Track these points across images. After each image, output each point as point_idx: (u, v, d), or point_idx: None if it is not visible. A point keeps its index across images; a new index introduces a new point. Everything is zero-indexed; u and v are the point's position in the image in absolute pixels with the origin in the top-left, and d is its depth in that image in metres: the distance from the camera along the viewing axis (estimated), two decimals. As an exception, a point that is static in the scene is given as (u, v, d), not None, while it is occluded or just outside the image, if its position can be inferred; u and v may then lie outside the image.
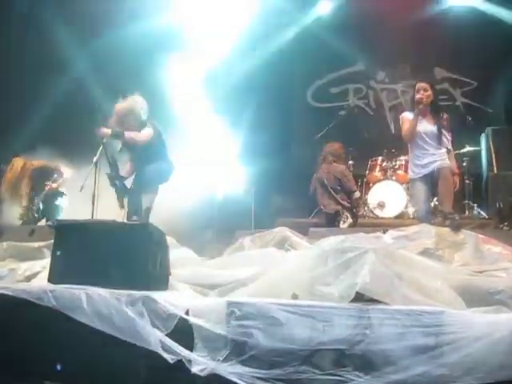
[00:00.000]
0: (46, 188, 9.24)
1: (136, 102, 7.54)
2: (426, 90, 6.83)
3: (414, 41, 11.39)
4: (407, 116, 6.92)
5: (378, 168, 10.59)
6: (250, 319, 4.00)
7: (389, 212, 9.83)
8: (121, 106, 7.56)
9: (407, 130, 6.85)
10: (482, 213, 9.63)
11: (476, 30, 10.93)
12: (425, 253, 5.39)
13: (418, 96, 6.81)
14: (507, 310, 4.13)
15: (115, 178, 7.44)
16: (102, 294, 4.37)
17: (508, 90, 10.65)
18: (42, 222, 8.79)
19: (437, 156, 6.76)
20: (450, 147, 6.93)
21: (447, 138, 6.90)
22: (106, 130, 7.31)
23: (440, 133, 6.79)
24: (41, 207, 9.03)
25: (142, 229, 4.77)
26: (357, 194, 8.82)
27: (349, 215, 8.58)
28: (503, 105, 10.85)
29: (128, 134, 7.32)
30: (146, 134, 7.40)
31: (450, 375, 3.54)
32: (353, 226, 8.36)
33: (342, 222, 8.43)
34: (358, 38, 11.63)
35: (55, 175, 9.35)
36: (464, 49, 11.08)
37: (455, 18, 11.36)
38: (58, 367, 4.42)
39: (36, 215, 9.05)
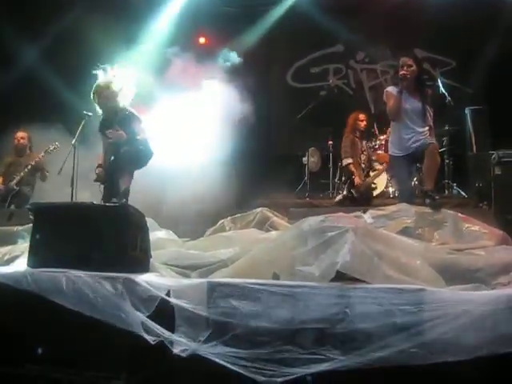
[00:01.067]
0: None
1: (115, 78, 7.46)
2: (410, 66, 6.69)
3: (395, 21, 11.36)
4: (392, 91, 6.79)
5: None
6: (231, 300, 4.00)
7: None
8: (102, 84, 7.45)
9: (392, 106, 6.72)
10: (462, 192, 9.69)
11: (455, 9, 10.89)
12: (404, 232, 5.42)
13: (402, 72, 6.68)
14: (486, 288, 4.19)
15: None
16: (81, 276, 4.34)
17: (487, 70, 10.65)
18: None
19: (422, 134, 6.66)
20: (431, 124, 6.84)
21: (430, 114, 6.82)
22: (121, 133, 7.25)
23: (425, 110, 6.69)
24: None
25: (122, 210, 4.74)
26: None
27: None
28: (482, 85, 10.87)
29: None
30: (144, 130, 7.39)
31: (429, 352, 3.57)
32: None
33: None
34: (337, 18, 11.59)
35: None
36: (443, 29, 11.05)
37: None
38: (39, 351, 4.40)
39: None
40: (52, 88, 10.22)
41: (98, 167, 7.41)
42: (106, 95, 7.29)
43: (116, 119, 7.27)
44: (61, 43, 10.46)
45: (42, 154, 8.97)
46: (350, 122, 9.83)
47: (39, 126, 9.63)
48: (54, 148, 8.90)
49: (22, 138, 9.37)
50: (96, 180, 7.40)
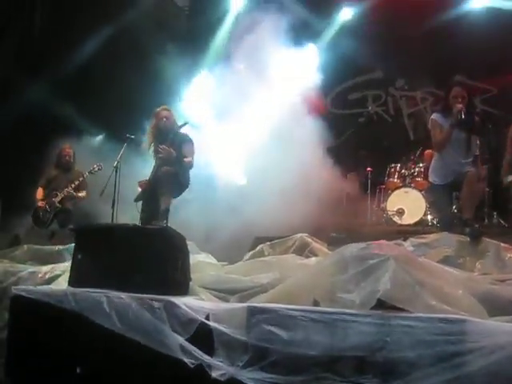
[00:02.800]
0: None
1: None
2: (463, 98, 6.64)
3: (433, 47, 11.33)
4: (437, 120, 6.73)
5: (396, 175, 10.55)
6: (270, 325, 3.99)
7: (407, 219, 9.78)
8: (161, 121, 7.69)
9: (442, 139, 6.63)
10: (502, 221, 9.56)
11: (495, 34, 10.83)
12: (445, 261, 5.37)
13: (458, 105, 6.59)
14: (530, 319, 4.10)
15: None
16: (122, 297, 4.39)
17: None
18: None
19: (464, 164, 6.61)
20: (477, 153, 6.77)
21: (476, 143, 6.75)
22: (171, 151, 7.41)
23: (470, 141, 6.62)
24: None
25: (163, 233, 4.78)
26: None
27: None
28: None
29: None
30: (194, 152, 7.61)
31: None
32: None
33: None
34: (377, 44, 11.60)
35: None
36: (483, 55, 10.99)
37: (474, 23, 11.27)
38: (78, 370, 4.43)
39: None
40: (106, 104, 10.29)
41: (140, 185, 7.53)
42: (165, 115, 7.49)
43: (169, 139, 7.40)
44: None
45: (86, 173, 9.03)
46: None
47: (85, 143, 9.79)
48: (99, 169, 8.97)
49: (68, 155, 9.41)
50: (136, 199, 7.50)
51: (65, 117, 10.39)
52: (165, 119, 7.59)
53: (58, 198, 8.96)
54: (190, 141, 7.60)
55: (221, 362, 4.04)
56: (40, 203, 8.96)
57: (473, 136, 6.67)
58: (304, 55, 10.45)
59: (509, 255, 5.53)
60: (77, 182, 9.02)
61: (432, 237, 5.91)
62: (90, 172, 9.02)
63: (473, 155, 6.69)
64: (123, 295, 4.39)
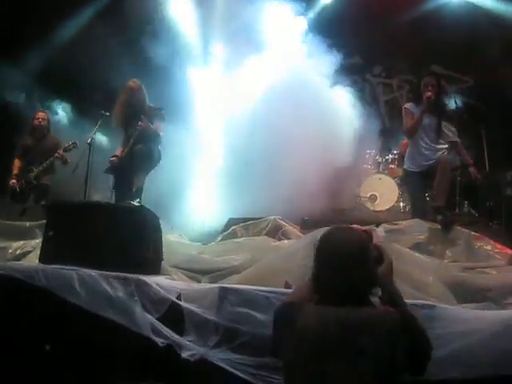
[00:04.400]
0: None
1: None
2: (433, 86, 6.69)
3: (413, 36, 11.33)
4: (410, 108, 6.77)
5: (370, 161, 10.58)
6: (241, 306, 4.00)
7: (380, 205, 9.83)
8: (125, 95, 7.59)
9: (412, 125, 6.67)
10: (472, 210, 9.65)
11: (473, 25, 10.88)
12: (417, 247, 5.42)
13: (428, 93, 6.60)
14: (496, 307, 4.16)
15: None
16: (93, 275, 4.36)
17: (504, 89, 10.61)
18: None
19: (438, 150, 6.66)
20: (457, 139, 6.85)
21: (452, 130, 6.81)
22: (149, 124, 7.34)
23: (440, 127, 6.70)
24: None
25: (137, 211, 4.76)
26: None
27: None
28: (498, 104, 10.83)
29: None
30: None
31: (437, 369, 3.55)
32: None
33: None
34: (357, 30, 11.56)
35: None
36: (460, 45, 11.03)
37: (452, 14, 11.30)
38: (47, 347, 4.41)
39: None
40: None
41: (112, 157, 7.45)
42: (135, 88, 7.40)
43: (140, 114, 7.32)
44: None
45: (61, 151, 8.83)
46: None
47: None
48: (73, 146, 8.78)
49: (42, 118, 9.18)
50: (106, 170, 7.43)
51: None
52: (135, 93, 7.46)
53: (34, 174, 8.79)
54: (162, 116, 7.52)
55: (191, 342, 4.05)
56: (13, 181, 8.81)
57: (443, 122, 6.71)
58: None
59: (479, 244, 5.61)
60: (52, 158, 8.80)
61: (404, 223, 5.95)
62: (64, 150, 8.82)
63: (445, 141, 6.72)
64: (94, 273, 4.37)
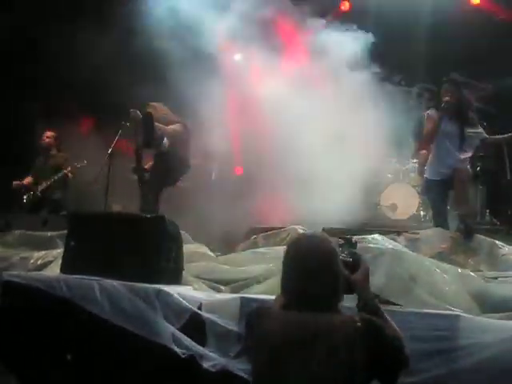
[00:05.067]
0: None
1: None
2: (452, 92, 6.67)
3: (431, 43, 11.30)
4: (432, 115, 6.76)
5: (390, 170, 10.54)
6: (263, 316, 3.99)
7: (401, 214, 9.79)
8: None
9: (429, 130, 6.70)
10: (494, 219, 9.57)
11: (494, 32, 10.83)
12: (438, 257, 5.37)
13: (446, 98, 6.64)
14: (521, 317, 4.11)
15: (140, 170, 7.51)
16: (115, 285, 4.38)
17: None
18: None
19: (460, 159, 6.64)
20: (485, 135, 6.86)
21: (478, 131, 6.80)
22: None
23: (463, 134, 6.67)
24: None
25: (157, 222, 4.76)
26: None
27: None
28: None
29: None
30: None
31: (462, 380, 3.53)
32: None
33: None
34: (375, 38, 11.53)
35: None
36: (481, 52, 10.97)
37: (472, 22, 11.25)
38: (68, 357, 4.42)
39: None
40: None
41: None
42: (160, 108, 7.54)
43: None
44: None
45: (69, 168, 8.99)
46: None
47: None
48: (81, 166, 8.95)
49: (47, 137, 9.33)
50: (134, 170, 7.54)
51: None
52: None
53: (40, 189, 8.99)
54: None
55: (212, 352, 4.04)
56: (17, 182, 9.05)
57: (466, 130, 6.69)
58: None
59: (502, 253, 5.55)
60: (59, 175, 8.99)
61: (426, 232, 5.92)
62: (71, 168, 8.96)
63: (468, 150, 6.70)
64: (115, 283, 4.39)
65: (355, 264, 2.95)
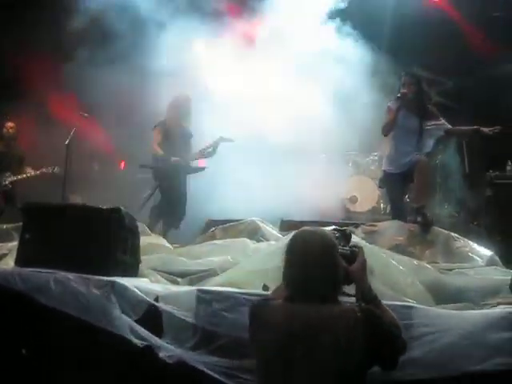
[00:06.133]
0: None
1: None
2: (409, 84, 6.74)
3: (396, 37, 11.36)
4: (391, 106, 6.79)
5: (350, 163, 10.60)
6: (219, 309, 3.99)
7: (361, 206, 9.87)
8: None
9: (387, 121, 6.75)
10: (453, 211, 9.70)
11: (454, 29, 10.95)
12: (396, 249, 5.44)
13: (403, 90, 6.71)
14: (474, 308, 4.17)
15: None
16: (70, 277, 4.31)
17: (484, 91, 10.67)
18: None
19: (417, 151, 6.67)
20: (447, 125, 6.87)
21: (439, 123, 6.82)
22: None
23: (422, 128, 6.72)
24: None
25: (113, 213, 4.69)
26: None
27: None
28: (478, 106, 10.89)
29: None
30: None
31: (417, 368, 3.57)
32: None
33: None
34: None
35: None
36: (442, 48, 11.08)
37: (434, 16, 11.35)
38: (24, 351, 4.36)
39: None
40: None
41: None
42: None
43: None
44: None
45: (38, 172, 9.01)
46: None
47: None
48: (53, 170, 8.93)
49: (11, 127, 9.40)
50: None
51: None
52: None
53: (9, 181, 8.97)
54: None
55: (169, 343, 4.03)
56: None
57: (425, 123, 6.72)
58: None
59: (457, 245, 5.63)
60: (31, 173, 9.03)
61: (383, 225, 5.98)
62: (41, 172, 8.96)
63: (429, 143, 6.73)
64: (71, 275, 4.32)
65: (352, 256, 3.08)
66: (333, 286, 2.84)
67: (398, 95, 6.67)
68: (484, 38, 10.86)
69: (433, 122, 6.77)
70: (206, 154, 7.96)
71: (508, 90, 9.90)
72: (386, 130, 6.79)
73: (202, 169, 8.22)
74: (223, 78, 9.20)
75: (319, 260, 2.81)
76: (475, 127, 7.05)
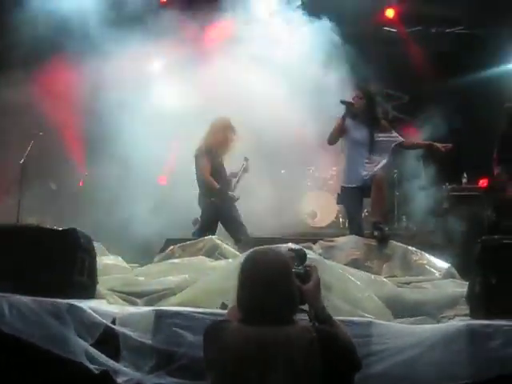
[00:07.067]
0: None
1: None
2: (359, 98, 6.82)
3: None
4: (340, 118, 6.84)
5: (309, 178, 10.65)
6: (178, 328, 3.96)
7: (320, 222, 9.91)
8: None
9: (332, 130, 6.82)
10: (411, 225, 9.80)
11: (409, 43, 11.13)
12: (353, 263, 5.46)
13: (347, 101, 6.79)
14: (432, 321, 4.21)
15: None
16: (24, 301, 4.22)
17: (440, 104, 10.82)
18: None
19: (372, 165, 6.73)
20: (400, 139, 6.92)
21: (392, 135, 6.91)
22: None
23: (373, 140, 6.78)
24: None
25: (69, 234, 4.63)
26: None
27: None
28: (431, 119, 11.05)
29: None
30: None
31: (377, 384, 3.59)
32: None
33: None
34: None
35: None
36: (398, 62, 11.23)
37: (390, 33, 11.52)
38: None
39: None
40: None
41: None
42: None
43: None
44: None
45: None
46: None
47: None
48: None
49: None
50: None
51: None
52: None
53: None
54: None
55: (127, 367, 3.97)
56: None
57: (376, 136, 6.79)
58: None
59: (415, 258, 5.68)
60: None
61: (341, 240, 6.01)
62: None
63: (383, 156, 6.79)
64: (25, 298, 4.22)
65: (307, 275, 3.04)
66: (287, 307, 2.80)
67: (342, 100, 6.77)
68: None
69: (386, 135, 6.84)
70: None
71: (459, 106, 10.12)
72: (329, 138, 6.88)
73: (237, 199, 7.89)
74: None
75: (272, 281, 2.77)
76: (428, 142, 7.17)
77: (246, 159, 7.84)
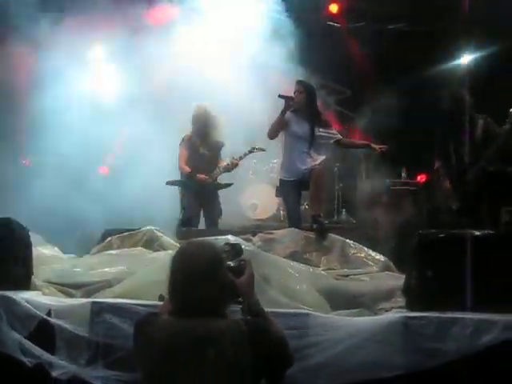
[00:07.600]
0: None
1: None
2: (300, 92, 6.87)
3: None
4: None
5: (251, 170, 10.65)
6: (115, 321, 3.92)
7: (261, 214, 9.93)
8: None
9: (272, 125, 6.85)
10: (350, 218, 9.90)
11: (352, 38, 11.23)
12: (292, 256, 5.49)
13: (287, 96, 6.82)
14: (369, 313, 4.27)
15: None
16: (-46, 292, 4.12)
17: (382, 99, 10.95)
18: None
19: (311, 159, 6.78)
20: (338, 136, 7.02)
21: (332, 132, 6.99)
22: None
23: (313, 135, 6.84)
24: None
25: (2, 224, 4.52)
26: None
27: None
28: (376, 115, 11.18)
29: None
30: None
31: (313, 377, 3.62)
32: None
33: None
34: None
35: None
36: (340, 56, 11.30)
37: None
38: None
39: None
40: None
41: None
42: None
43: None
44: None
45: None
46: None
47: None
48: None
49: None
50: None
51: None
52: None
53: None
54: None
55: (62, 360, 3.92)
56: None
57: (319, 129, 6.85)
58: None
59: (353, 251, 5.75)
60: None
61: (280, 232, 6.03)
62: None
63: (322, 150, 6.87)
64: (-44, 290, 4.13)
65: (240, 269, 3.09)
66: (217, 300, 2.80)
67: (280, 94, 6.78)
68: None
69: (325, 130, 6.91)
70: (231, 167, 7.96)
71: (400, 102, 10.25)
72: (270, 132, 6.92)
73: (229, 185, 8.10)
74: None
75: (198, 274, 2.76)
76: (365, 142, 7.31)
77: (254, 149, 8.14)
